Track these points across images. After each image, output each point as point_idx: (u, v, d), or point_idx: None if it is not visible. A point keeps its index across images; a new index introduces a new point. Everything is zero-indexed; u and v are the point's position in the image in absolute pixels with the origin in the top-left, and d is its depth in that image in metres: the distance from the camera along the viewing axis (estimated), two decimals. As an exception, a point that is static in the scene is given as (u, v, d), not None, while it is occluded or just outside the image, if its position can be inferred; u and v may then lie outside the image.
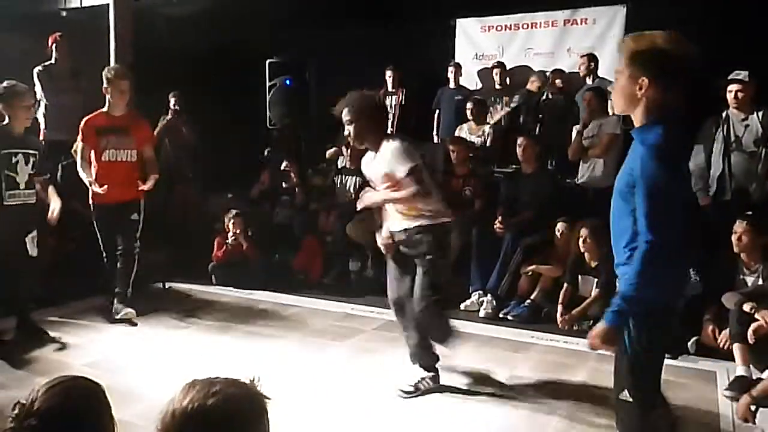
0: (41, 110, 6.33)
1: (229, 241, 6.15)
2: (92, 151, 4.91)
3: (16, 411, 1.27)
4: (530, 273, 5.33)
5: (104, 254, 5.06)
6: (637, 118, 2.18)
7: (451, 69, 7.48)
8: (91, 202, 4.99)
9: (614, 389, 2.29)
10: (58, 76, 6.43)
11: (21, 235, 4.39)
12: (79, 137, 4.94)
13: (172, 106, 7.55)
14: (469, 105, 6.89)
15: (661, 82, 2.10)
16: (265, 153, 7.71)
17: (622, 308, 2.14)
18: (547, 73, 7.24)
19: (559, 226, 5.33)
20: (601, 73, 6.77)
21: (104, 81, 4.89)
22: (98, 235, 5.03)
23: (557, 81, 7.03)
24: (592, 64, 6.70)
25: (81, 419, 1.30)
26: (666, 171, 2.05)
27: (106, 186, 4.76)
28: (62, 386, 1.33)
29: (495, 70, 7.37)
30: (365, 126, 3.56)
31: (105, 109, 4.95)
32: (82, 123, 4.93)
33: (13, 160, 4.37)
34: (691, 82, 2.13)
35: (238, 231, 6.12)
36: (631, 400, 2.21)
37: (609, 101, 5.94)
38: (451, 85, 7.49)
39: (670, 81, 2.11)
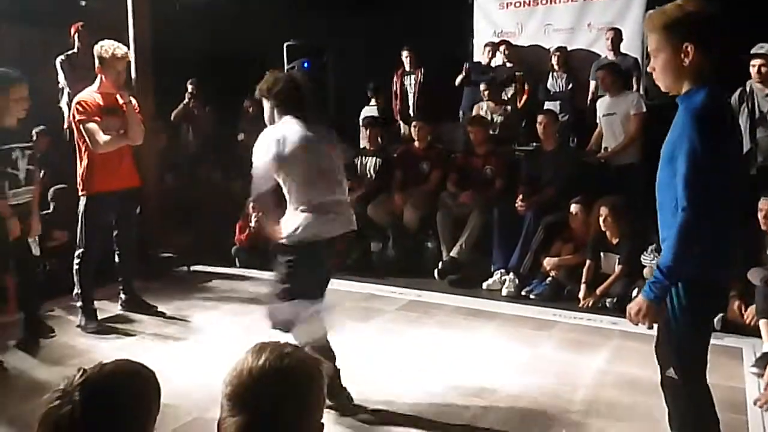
0: (65, 99, 6.40)
1: (252, 224, 6.20)
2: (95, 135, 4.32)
3: (65, 383, 1.31)
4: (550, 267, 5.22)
5: (83, 252, 4.43)
6: (683, 87, 2.10)
7: (488, 48, 7.39)
8: (81, 192, 4.43)
9: (660, 366, 2.24)
10: (80, 65, 6.48)
11: (25, 236, 4.03)
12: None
13: (189, 92, 7.60)
14: (482, 87, 6.89)
15: (705, 45, 2.03)
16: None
17: (658, 280, 2.05)
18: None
19: (573, 208, 5.23)
20: (621, 48, 6.66)
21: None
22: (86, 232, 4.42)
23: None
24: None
25: (122, 400, 1.33)
26: (709, 135, 1.96)
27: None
28: (115, 364, 1.39)
29: (501, 47, 7.31)
30: None
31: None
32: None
33: (13, 156, 3.97)
34: (729, 43, 2.07)
35: (259, 214, 6.16)
36: (676, 377, 2.16)
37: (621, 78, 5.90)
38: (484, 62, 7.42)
39: (712, 42, 2.05)
